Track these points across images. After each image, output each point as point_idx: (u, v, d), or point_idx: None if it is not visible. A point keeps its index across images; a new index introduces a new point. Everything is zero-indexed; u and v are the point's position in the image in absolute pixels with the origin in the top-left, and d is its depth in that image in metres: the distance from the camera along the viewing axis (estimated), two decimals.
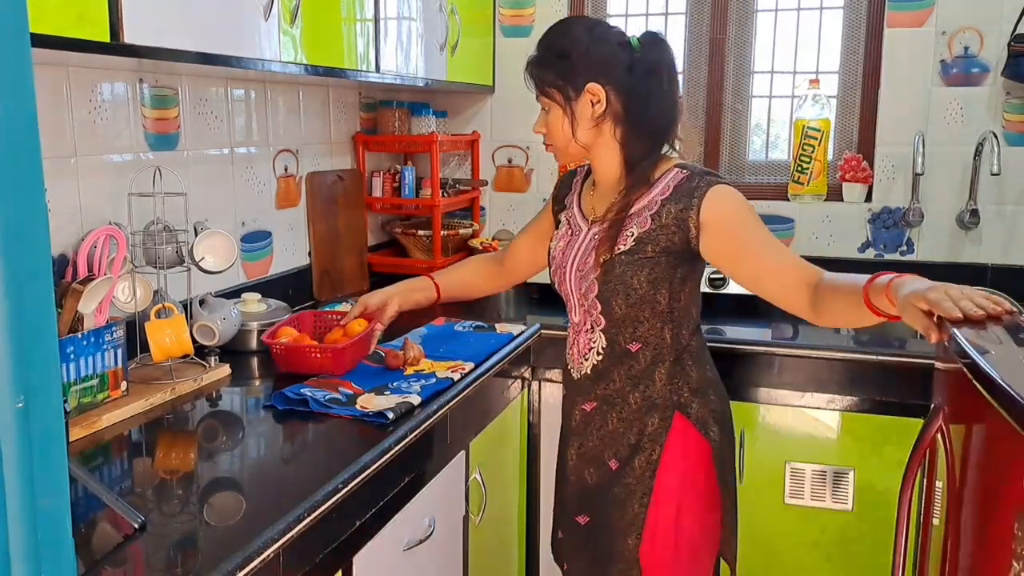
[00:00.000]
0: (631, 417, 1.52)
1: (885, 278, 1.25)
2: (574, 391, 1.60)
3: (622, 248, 1.47)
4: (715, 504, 1.55)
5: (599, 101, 1.47)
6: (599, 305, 1.50)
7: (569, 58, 1.47)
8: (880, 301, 1.24)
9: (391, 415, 1.50)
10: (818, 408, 2.06)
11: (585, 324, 1.55)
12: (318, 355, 1.71)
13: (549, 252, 1.64)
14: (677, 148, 1.55)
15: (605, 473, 1.55)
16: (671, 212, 1.44)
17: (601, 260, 1.48)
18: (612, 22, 2.84)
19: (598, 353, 1.54)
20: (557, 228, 1.65)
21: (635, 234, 1.46)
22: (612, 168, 1.53)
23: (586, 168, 1.66)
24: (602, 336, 1.53)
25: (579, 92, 1.47)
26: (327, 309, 2.08)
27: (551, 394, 2.21)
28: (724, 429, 1.55)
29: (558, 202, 1.71)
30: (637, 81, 1.46)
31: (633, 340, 1.51)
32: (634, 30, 1.55)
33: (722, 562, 1.67)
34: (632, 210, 1.47)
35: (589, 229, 1.55)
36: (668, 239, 1.45)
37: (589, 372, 1.56)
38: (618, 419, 1.53)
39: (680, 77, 2.79)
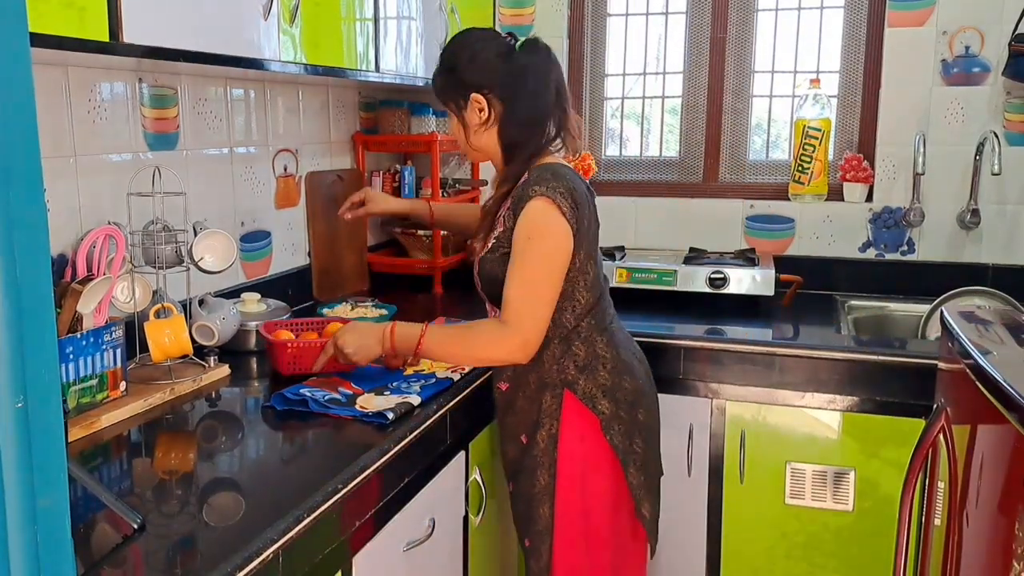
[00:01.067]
0: (532, 395, 1.65)
1: (399, 330, 1.60)
2: (494, 371, 1.74)
3: (488, 247, 1.63)
4: (617, 470, 1.65)
5: (483, 108, 1.61)
6: (486, 297, 1.69)
7: (455, 71, 1.62)
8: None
9: (391, 415, 1.50)
10: (819, 408, 2.06)
11: (491, 312, 1.70)
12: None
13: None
14: (562, 146, 1.66)
15: (519, 447, 1.69)
16: (509, 218, 1.58)
17: (477, 258, 1.65)
18: (613, 22, 2.86)
19: None
20: None
21: (496, 234, 1.61)
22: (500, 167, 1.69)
23: None
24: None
25: (466, 101, 1.61)
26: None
27: None
28: (617, 403, 1.64)
29: None
30: (515, 87, 1.59)
31: None
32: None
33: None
34: (499, 211, 1.62)
35: None
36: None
37: None
38: (524, 397, 1.66)
39: (680, 77, 2.79)
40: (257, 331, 1.88)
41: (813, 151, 2.55)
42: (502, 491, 2.02)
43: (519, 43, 1.61)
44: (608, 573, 1.67)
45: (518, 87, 1.59)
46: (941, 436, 1.30)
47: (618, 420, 1.64)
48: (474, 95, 1.59)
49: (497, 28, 2.85)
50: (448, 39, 1.65)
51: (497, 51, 1.60)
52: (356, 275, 2.55)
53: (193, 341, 1.71)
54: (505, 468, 1.77)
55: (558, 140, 1.65)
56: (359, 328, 1.63)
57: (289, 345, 1.72)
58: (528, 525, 1.68)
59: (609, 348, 1.67)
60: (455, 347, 1.60)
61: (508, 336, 1.53)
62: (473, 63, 1.60)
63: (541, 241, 1.53)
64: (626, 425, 1.65)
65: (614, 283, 2.42)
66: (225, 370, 1.75)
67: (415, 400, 1.58)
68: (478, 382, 1.78)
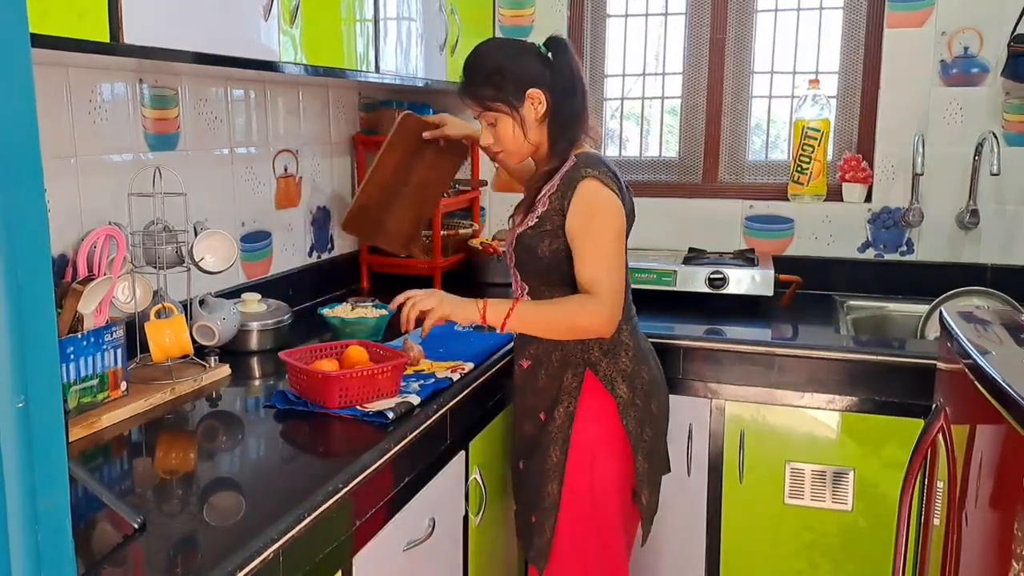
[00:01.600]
0: (554, 373, 1.71)
1: (491, 306, 1.62)
2: (516, 349, 1.82)
3: (529, 224, 1.68)
4: (627, 454, 1.70)
5: (541, 102, 1.66)
6: (517, 274, 1.75)
7: (503, 72, 1.66)
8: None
9: (391, 415, 1.50)
10: (818, 408, 2.06)
11: (517, 289, 1.77)
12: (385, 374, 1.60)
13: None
14: (590, 135, 1.74)
15: (536, 424, 1.74)
16: (558, 198, 1.64)
17: (515, 233, 1.71)
18: (612, 22, 2.87)
19: None
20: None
21: (539, 212, 1.67)
22: (544, 155, 1.74)
23: None
24: (530, 298, 1.73)
25: (521, 100, 1.66)
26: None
27: None
28: (635, 389, 1.70)
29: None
30: (557, 80, 1.67)
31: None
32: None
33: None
34: (543, 192, 1.67)
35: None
36: (560, 220, 1.63)
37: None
38: (546, 375, 1.72)
39: (680, 78, 2.79)
40: (281, 357, 1.63)
41: (812, 151, 2.55)
42: (502, 491, 2.02)
43: (542, 44, 1.70)
44: (601, 552, 1.72)
45: (563, 82, 1.67)
46: (940, 436, 1.31)
47: (634, 407, 1.69)
48: (531, 91, 1.65)
49: (497, 29, 2.85)
50: (473, 53, 1.71)
51: (533, 51, 1.69)
52: (401, 231, 2.10)
53: (194, 341, 1.71)
54: (517, 447, 1.82)
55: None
56: (451, 297, 1.64)
57: (341, 378, 1.55)
58: (536, 502, 1.72)
59: (632, 336, 1.73)
60: (548, 316, 1.64)
61: (599, 307, 1.59)
62: (519, 62, 1.66)
63: (603, 218, 1.62)
64: (640, 412, 1.70)
65: None
66: (226, 370, 1.76)
67: (415, 400, 1.58)
68: (478, 382, 1.79)
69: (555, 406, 1.71)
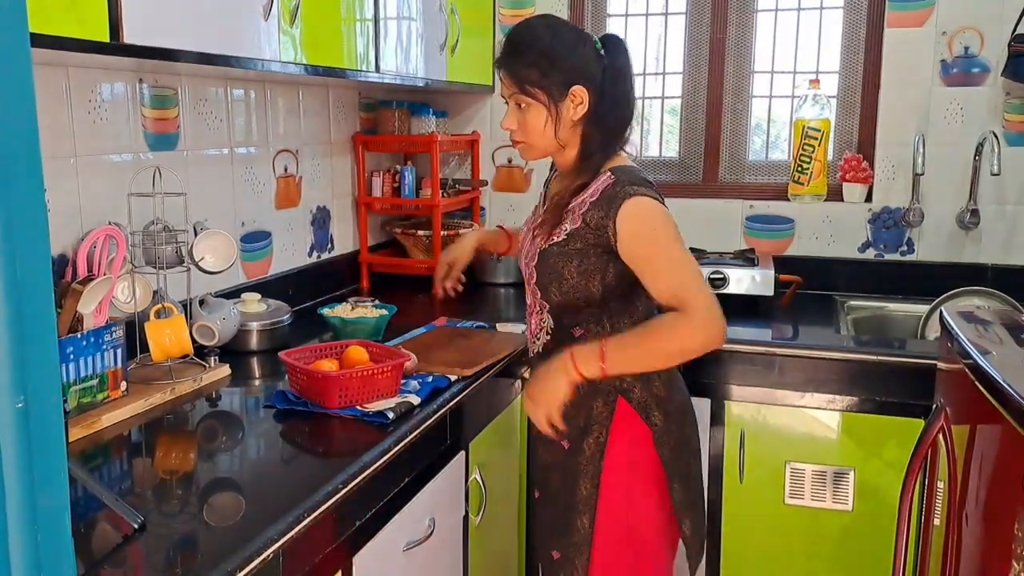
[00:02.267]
0: (579, 401, 1.54)
1: (579, 354, 1.48)
2: (533, 369, 1.63)
3: (555, 240, 1.54)
4: (662, 483, 1.57)
5: (582, 103, 1.52)
6: (538, 291, 1.59)
7: (554, 59, 1.50)
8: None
9: (391, 415, 1.50)
10: (818, 408, 2.06)
11: (535, 306, 1.63)
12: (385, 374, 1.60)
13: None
14: (626, 149, 1.60)
15: (558, 451, 1.60)
16: (595, 217, 1.49)
17: (537, 248, 1.57)
18: (613, 22, 2.86)
19: (547, 333, 1.61)
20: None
21: (568, 229, 1.52)
22: (571, 160, 1.59)
23: None
24: (549, 317, 1.60)
25: (563, 93, 1.51)
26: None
27: None
28: (668, 415, 1.57)
29: (546, 184, 1.77)
30: (608, 84, 1.53)
31: (575, 325, 1.57)
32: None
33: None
34: (571, 204, 1.53)
35: (540, 212, 1.64)
36: (595, 239, 1.50)
37: (541, 351, 1.62)
38: (568, 403, 1.53)
39: (680, 78, 2.79)
40: (280, 357, 1.64)
41: (812, 151, 2.55)
42: (502, 491, 2.02)
43: (598, 39, 1.55)
44: None
45: (615, 86, 1.54)
46: (940, 436, 1.31)
47: (668, 433, 1.57)
48: (577, 87, 1.50)
49: (497, 29, 2.85)
50: (524, 26, 1.57)
51: (590, 44, 1.54)
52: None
53: (193, 341, 1.71)
54: (533, 473, 1.70)
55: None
56: (538, 375, 1.52)
57: (340, 378, 1.55)
58: (561, 536, 1.60)
59: None
60: (648, 344, 1.47)
61: (703, 322, 1.43)
62: (575, 54, 1.51)
63: (664, 229, 1.48)
64: (675, 439, 1.58)
65: None
66: (225, 370, 1.75)
67: (415, 400, 1.58)
68: (478, 382, 1.78)
69: (584, 436, 1.56)
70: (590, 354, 1.45)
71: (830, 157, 2.61)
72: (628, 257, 1.49)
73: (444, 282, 1.96)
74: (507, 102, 1.57)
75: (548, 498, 1.64)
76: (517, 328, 2.08)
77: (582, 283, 1.52)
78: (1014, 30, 2.37)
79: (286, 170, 2.31)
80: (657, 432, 1.56)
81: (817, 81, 2.59)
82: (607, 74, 1.53)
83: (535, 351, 1.65)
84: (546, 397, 1.48)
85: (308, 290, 2.40)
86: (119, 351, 1.54)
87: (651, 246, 1.48)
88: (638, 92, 2.82)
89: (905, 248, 2.58)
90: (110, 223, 1.64)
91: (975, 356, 1.12)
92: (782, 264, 2.52)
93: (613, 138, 1.56)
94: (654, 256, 1.48)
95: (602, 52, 1.54)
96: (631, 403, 1.55)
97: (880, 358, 2.01)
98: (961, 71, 2.47)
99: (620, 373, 1.50)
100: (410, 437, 1.49)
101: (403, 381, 1.66)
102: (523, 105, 1.53)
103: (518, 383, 2.14)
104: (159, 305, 1.66)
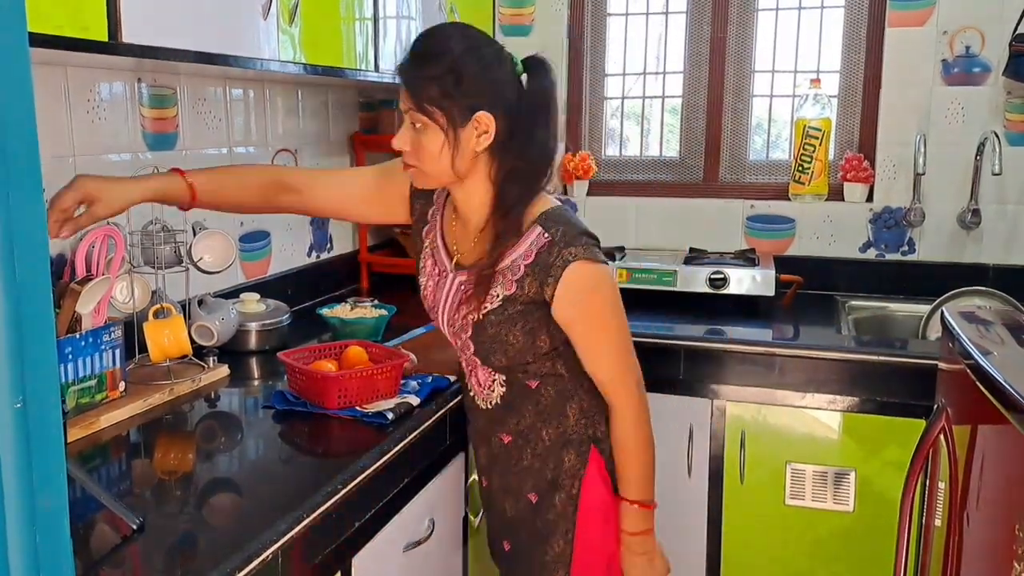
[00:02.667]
0: (545, 453, 1.45)
1: (628, 525, 1.44)
2: (487, 421, 1.50)
3: (489, 307, 1.36)
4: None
5: (487, 132, 1.31)
6: (478, 360, 1.43)
7: (462, 76, 1.29)
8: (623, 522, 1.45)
9: (391, 415, 1.50)
10: (819, 408, 2.06)
11: (483, 381, 1.48)
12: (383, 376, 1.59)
13: (419, 284, 1.52)
14: (549, 189, 1.42)
15: (525, 506, 1.49)
16: (531, 284, 1.34)
17: (470, 322, 1.39)
18: (613, 22, 2.86)
19: (502, 385, 1.45)
20: (421, 251, 1.52)
21: (501, 295, 1.36)
22: (479, 203, 1.39)
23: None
24: (499, 374, 1.45)
25: (466, 118, 1.30)
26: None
27: None
28: None
29: (419, 210, 1.53)
30: (524, 114, 1.33)
31: (530, 378, 1.43)
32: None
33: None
34: (500, 264, 1.36)
35: (455, 276, 1.43)
36: (533, 299, 1.36)
37: (499, 403, 1.46)
38: (532, 455, 1.46)
39: (680, 77, 2.78)
40: (279, 358, 1.64)
41: (813, 151, 2.55)
42: None
43: (519, 61, 1.35)
44: None
45: (532, 117, 1.34)
46: (942, 436, 1.30)
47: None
48: (482, 114, 1.30)
49: (497, 29, 2.84)
50: (434, 32, 1.37)
51: (510, 67, 1.34)
52: None
53: (192, 341, 1.71)
54: (497, 525, 1.58)
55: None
56: (637, 564, 1.46)
57: (340, 378, 1.55)
58: None
59: None
60: (641, 467, 1.43)
61: (629, 413, 1.41)
62: (488, 74, 1.31)
63: (605, 304, 1.37)
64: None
65: None
66: (224, 370, 1.75)
67: (414, 400, 1.58)
68: None
69: (555, 490, 1.45)
70: (635, 516, 1.42)
71: (831, 157, 2.61)
72: (563, 326, 1.37)
73: (59, 220, 1.32)
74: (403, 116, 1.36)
75: (519, 552, 1.53)
76: None
77: (529, 341, 1.38)
78: (1015, 30, 2.36)
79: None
80: None
81: (818, 80, 2.58)
82: (524, 102, 1.33)
83: (492, 402, 1.48)
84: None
85: (307, 290, 2.39)
86: (118, 351, 1.53)
87: (588, 322, 1.37)
88: (639, 91, 2.85)
89: (906, 248, 2.58)
90: (108, 223, 1.63)
91: (976, 356, 1.12)
92: (783, 264, 2.52)
93: (532, 185, 1.36)
94: (589, 333, 1.38)
95: (523, 77, 1.34)
96: (603, 453, 1.45)
97: (881, 358, 2.01)
98: (962, 71, 2.47)
99: (648, 484, 1.44)
100: (409, 438, 1.48)
101: (402, 381, 1.65)
102: (418, 125, 1.32)
103: None
104: (158, 305, 1.66)
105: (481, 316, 1.37)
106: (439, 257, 1.47)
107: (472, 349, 1.41)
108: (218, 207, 1.54)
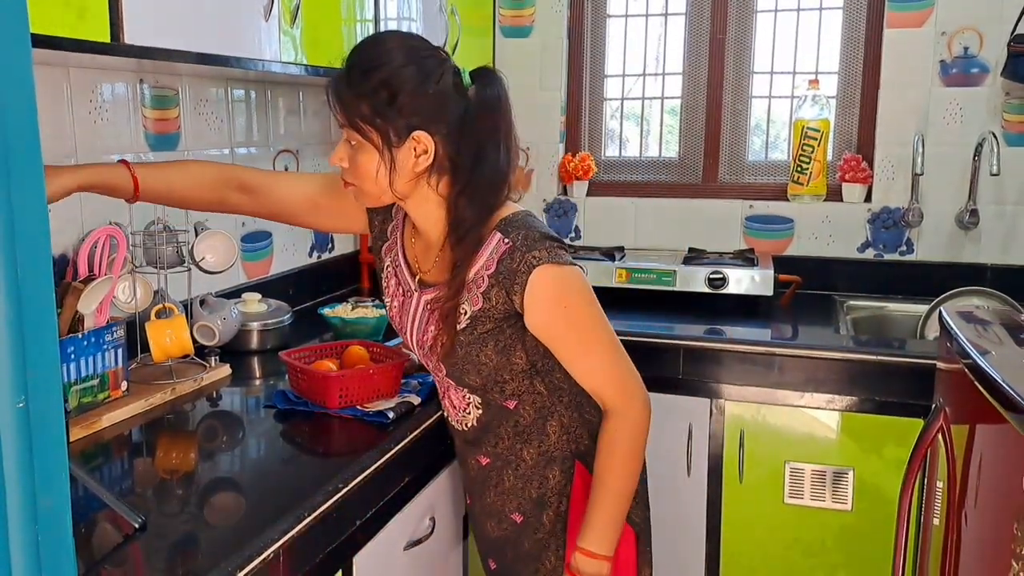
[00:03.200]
0: (529, 473, 1.41)
1: (583, 543, 1.34)
2: (463, 442, 1.48)
3: (458, 328, 1.30)
4: (630, 546, 1.44)
5: (425, 153, 1.23)
6: (451, 381, 1.39)
7: (398, 92, 1.21)
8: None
9: (391, 415, 1.50)
10: (818, 408, 2.06)
11: (458, 405, 1.44)
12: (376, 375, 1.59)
13: (385, 304, 1.49)
14: (514, 198, 1.35)
15: (510, 526, 1.45)
16: (498, 295, 1.27)
17: (441, 343, 1.32)
18: (613, 23, 2.86)
19: (477, 407, 1.41)
20: (383, 269, 1.47)
21: (468, 312, 1.29)
22: (435, 220, 1.32)
23: None
24: (474, 395, 1.40)
25: (402, 138, 1.22)
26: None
27: None
28: None
29: (378, 226, 1.48)
30: (470, 131, 1.24)
31: (507, 399, 1.38)
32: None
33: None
34: (466, 282, 1.30)
35: (420, 295, 1.37)
36: (504, 313, 1.29)
37: (475, 425, 1.42)
38: (514, 476, 1.42)
39: (680, 78, 2.79)
40: (280, 357, 1.64)
41: (812, 151, 2.56)
42: None
43: (466, 72, 1.27)
44: None
45: (479, 132, 1.25)
46: (940, 436, 1.31)
47: (636, 494, 1.40)
48: (420, 133, 1.22)
49: (497, 29, 2.85)
50: (371, 42, 1.29)
51: (452, 80, 1.24)
52: None
53: (194, 341, 1.71)
54: (484, 544, 1.54)
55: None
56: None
57: (341, 378, 1.55)
58: None
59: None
60: (621, 481, 1.33)
61: (630, 415, 1.33)
62: (427, 89, 1.21)
63: (579, 303, 1.29)
64: (640, 496, 1.46)
65: (613, 283, 2.42)
66: (226, 370, 1.76)
67: (415, 400, 1.58)
68: None
69: (542, 508, 1.41)
70: (586, 563, 1.32)
71: (829, 157, 2.61)
72: (541, 338, 1.31)
73: None
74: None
75: (505, 572, 1.51)
76: None
77: (504, 360, 1.32)
78: (1013, 30, 2.37)
79: (287, 170, 2.31)
80: None
81: (816, 81, 2.59)
82: (468, 116, 1.24)
83: (468, 425, 1.44)
84: None
85: (308, 290, 2.40)
86: (120, 351, 1.54)
87: (567, 328, 1.30)
88: (638, 92, 2.86)
89: (904, 248, 2.58)
90: (111, 223, 1.64)
91: (974, 356, 1.12)
92: (781, 264, 2.52)
93: (487, 202, 1.28)
94: (571, 340, 1.30)
95: (469, 89, 1.25)
96: (588, 468, 1.39)
97: (879, 358, 2.02)
98: (960, 71, 2.47)
99: (613, 533, 1.34)
100: (410, 437, 1.49)
101: (403, 381, 1.66)
102: (353, 142, 1.26)
103: None
104: (160, 305, 1.67)
105: (451, 339, 1.31)
106: (402, 276, 1.41)
107: (444, 371, 1.37)
108: (165, 202, 1.48)
